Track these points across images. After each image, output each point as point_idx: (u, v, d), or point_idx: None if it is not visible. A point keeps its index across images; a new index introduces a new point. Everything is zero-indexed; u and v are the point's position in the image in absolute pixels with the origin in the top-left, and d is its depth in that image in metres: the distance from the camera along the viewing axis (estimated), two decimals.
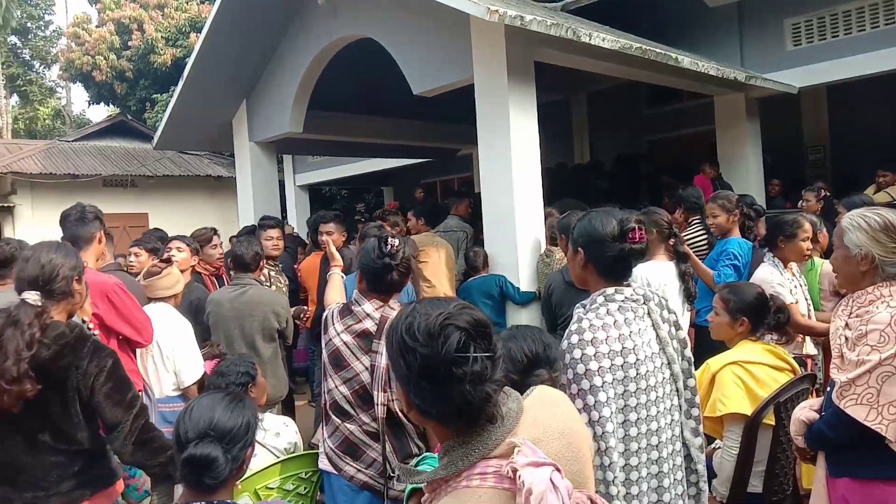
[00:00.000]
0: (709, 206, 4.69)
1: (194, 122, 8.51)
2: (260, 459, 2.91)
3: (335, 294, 3.00)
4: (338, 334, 2.66)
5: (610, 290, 2.09)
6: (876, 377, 2.10)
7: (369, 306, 2.65)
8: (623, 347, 2.01)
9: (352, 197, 17.58)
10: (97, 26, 22.97)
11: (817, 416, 2.36)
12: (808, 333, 3.88)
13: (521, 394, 1.71)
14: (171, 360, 3.84)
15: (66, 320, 2.38)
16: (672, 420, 2.13)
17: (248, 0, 7.19)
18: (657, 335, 2.11)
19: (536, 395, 1.46)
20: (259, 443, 2.96)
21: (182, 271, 4.35)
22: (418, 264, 5.13)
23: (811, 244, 4.06)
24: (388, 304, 2.69)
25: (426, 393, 1.24)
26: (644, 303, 2.11)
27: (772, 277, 3.85)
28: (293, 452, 3.03)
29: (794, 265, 4.08)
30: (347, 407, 2.65)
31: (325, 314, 2.77)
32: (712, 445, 3.01)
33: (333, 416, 2.68)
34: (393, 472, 2.60)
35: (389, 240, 2.63)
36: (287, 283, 5.63)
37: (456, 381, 1.20)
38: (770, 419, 2.82)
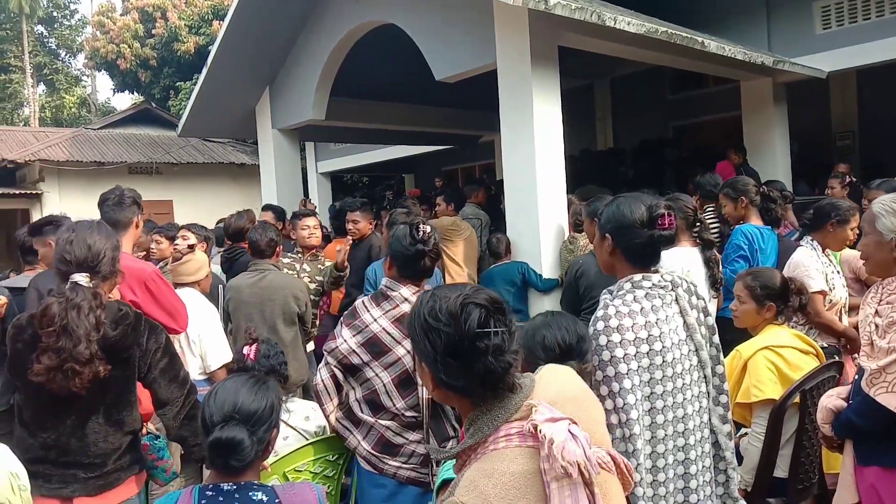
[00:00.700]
0: (720, 196, 4.63)
1: (218, 110, 8.57)
2: (291, 442, 2.95)
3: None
4: (375, 320, 2.62)
5: (637, 277, 2.07)
6: None
7: (406, 291, 2.63)
8: (650, 335, 2.00)
9: (373, 184, 17.61)
10: (121, 15, 23.20)
11: (845, 404, 2.33)
12: (827, 327, 3.74)
13: None
14: (197, 345, 3.90)
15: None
16: (700, 407, 2.12)
17: None
18: (685, 322, 2.10)
19: (546, 369, 1.53)
20: (290, 426, 3.00)
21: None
22: (445, 248, 5.17)
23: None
24: (422, 289, 2.68)
25: (452, 369, 1.33)
26: (672, 289, 2.09)
27: (809, 262, 3.71)
28: (321, 436, 3.06)
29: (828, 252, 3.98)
30: (385, 398, 2.60)
31: (353, 305, 2.76)
32: (739, 433, 3.00)
33: (366, 417, 2.64)
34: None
35: (421, 226, 2.61)
36: (318, 267, 5.29)
37: (480, 354, 1.30)
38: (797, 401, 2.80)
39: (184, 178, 16.02)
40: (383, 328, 2.61)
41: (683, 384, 2.06)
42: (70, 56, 34.20)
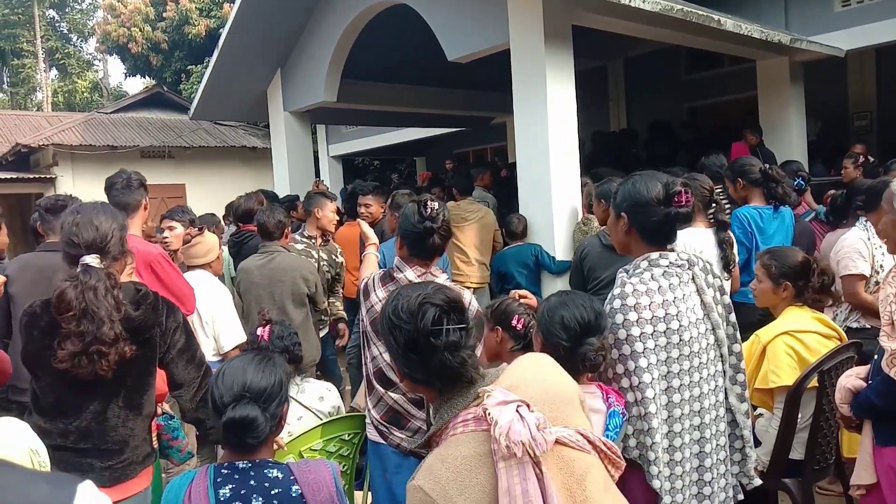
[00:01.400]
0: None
1: (229, 93, 8.55)
2: (306, 422, 2.96)
3: (370, 273, 2.99)
4: (380, 301, 2.63)
5: (654, 255, 2.05)
6: None
7: (411, 273, 2.63)
8: (666, 313, 1.98)
9: (384, 167, 17.58)
10: None
11: (864, 384, 2.31)
12: (870, 308, 3.63)
13: (573, 362, 1.84)
14: (210, 326, 3.92)
15: None
16: (716, 386, 2.10)
17: None
18: (702, 301, 2.08)
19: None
20: (304, 405, 3.01)
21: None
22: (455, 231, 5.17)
23: None
24: (430, 271, 2.67)
25: (413, 363, 1.45)
26: (689, 268, 2.07)
27: (856, 244, 3.64)
28: (336, 416, 3.07)
29: None
30: (392, 375, 2.62)
31: (365, 282, 2.77)
32: (755, 413, 2.97)
33: (378, 386, 2.67)
34: None
35: (429, 203, 2.61)
36: (332, 258, 5.27)
37: (435, 350, 1.41)
38: (815, 384, 2.77)
39: (196, 162, 16.03)
40: None
41: (700, 363, 2.04)
42: (81, 40, 34.29)
